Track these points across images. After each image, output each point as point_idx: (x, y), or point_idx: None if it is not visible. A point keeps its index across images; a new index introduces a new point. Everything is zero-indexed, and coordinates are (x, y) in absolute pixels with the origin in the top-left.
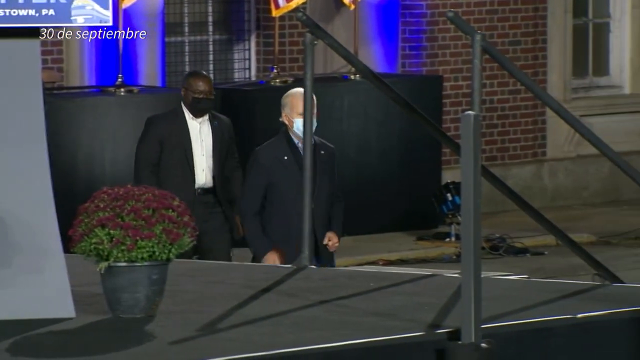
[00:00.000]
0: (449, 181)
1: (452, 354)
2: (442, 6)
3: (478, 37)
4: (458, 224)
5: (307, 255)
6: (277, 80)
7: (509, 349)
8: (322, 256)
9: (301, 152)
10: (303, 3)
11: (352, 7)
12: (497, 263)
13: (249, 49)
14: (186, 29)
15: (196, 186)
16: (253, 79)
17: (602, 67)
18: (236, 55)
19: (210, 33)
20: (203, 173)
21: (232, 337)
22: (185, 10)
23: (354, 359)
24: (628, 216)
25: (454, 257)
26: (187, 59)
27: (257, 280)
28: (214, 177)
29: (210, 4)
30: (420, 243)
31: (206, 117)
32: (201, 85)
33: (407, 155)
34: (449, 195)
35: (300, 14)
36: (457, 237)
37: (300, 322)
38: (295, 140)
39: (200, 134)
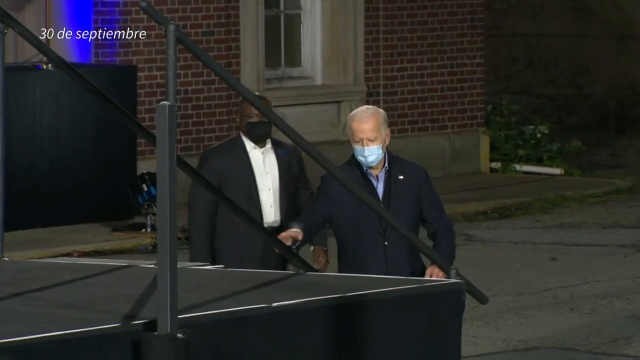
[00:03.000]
0: (144, 172)
1: (148, 345)
2: None
3: (172, 28)
4: (154, 214)
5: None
6: None
7: (206, 338)
8: None
9: (373, 181)
10: None
11: None
12: None
13: None
14: None
15: (264, 225)
16: None
17: (294, 59)
18: None
19: None
20: (271, 209)
21: None
22: None
23: (48, 352)
24: None
25: (150, 247)
26: None
27: None
28: (283, 214)
29: None
30: (115, 234)
31: (269, 145)
32: (253, 108)
33: (102, 145)
34: (144, 186)
35: None
36: (154, 227)
37: None
38: (365, 167)
39: (265, 165)
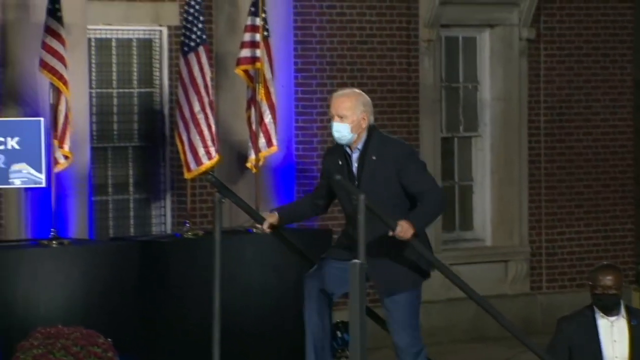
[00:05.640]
0: (338, 320)
1: None
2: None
3: (362, 196)
4: (347, 357)
5: None
6: (190, 233)
7: None
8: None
9: (352, 157)
10: (212, 167)
11: (255, 170)
12: None
13: (165, 207)
14: (110, 190)
15: None
16: (169, 232)
17: (467, 223)
18: (154, 212)
19: (132, 193)
20: None
21: None
22: (110, 173)
23: None
24: (492, 350)
25: None
26: (111, 215)
27: None
28: None
29: (131, 168)
30: None
31: (621, 314)
32: (601, 280)
33: (301, 297)
34: (338, 333)
35: (209, 176)
36: None
37: None
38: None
39: (613, 333)
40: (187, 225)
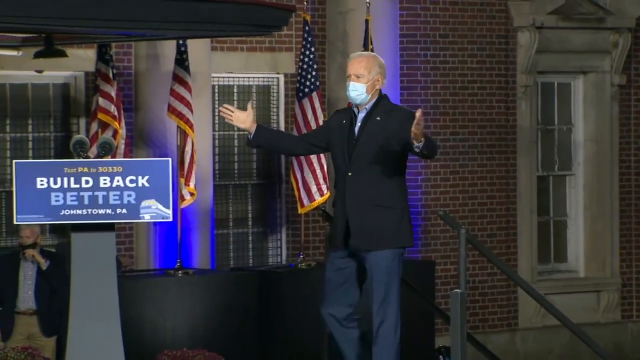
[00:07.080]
0: (441, 345)
1: None
2: (434, 206)
3: (463, 231)
4: None
5: None
6: (303, 264)
7: None
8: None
9: (358, 118)
10: (323, 202)
11: None
12: None
13: (281, 239)
14: (231, 224)
15: None
16: (284, 262)
17: (561, 255)
18: (270, 244)
19: (250, 227)
20: None
21: None
22: (231, 208)
23: None
24: None
25: None
26: (231, 247)
27: None
28: None
29: (250, 204)
30: None
31: None
32: None
33: (406, 323)
34: (441, 357)
35: (321, 211)
36: None
37: None
38: (354, 106)
39: None
40: (301, 256)
